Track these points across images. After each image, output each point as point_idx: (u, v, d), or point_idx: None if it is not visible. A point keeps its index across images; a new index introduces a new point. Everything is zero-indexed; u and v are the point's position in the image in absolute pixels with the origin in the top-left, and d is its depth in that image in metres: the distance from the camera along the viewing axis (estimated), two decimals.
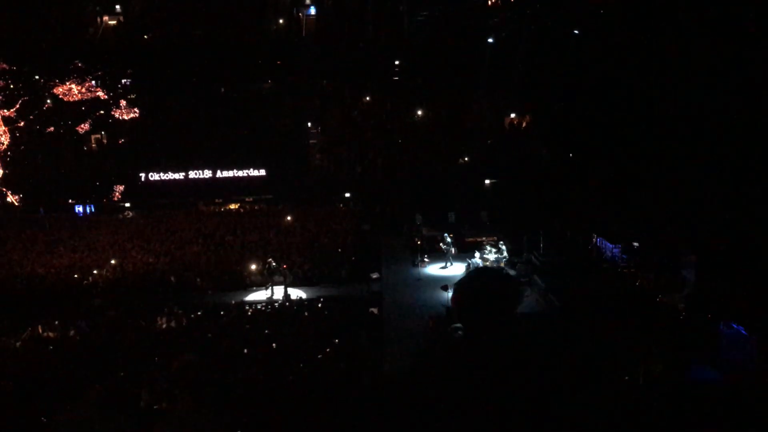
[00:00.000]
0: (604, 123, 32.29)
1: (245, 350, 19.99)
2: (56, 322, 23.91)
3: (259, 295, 27.73)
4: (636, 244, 27.83)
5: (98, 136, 42.67)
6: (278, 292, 27.46)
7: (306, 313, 24.42)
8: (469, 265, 27.80)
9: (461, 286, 4.26)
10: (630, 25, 32.68)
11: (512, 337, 4.32)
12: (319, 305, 25.36)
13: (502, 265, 28.39)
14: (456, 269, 28.91)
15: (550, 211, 31.71)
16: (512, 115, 43.60)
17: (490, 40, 40.66)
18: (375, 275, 29.02)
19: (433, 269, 29.47)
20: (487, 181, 39.58)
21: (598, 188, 31.27)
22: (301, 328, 22.69)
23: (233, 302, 26.66)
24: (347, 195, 40.58)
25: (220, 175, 42.21)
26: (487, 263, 27.81)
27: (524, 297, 21.94)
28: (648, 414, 16.21)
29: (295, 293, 27.33)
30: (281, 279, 27.85)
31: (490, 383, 4.14)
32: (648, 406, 16.65)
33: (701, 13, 27.56)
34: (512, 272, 28.28)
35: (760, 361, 18.80)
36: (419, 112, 44.91)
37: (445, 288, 26.66)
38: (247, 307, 25.77)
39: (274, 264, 28.26)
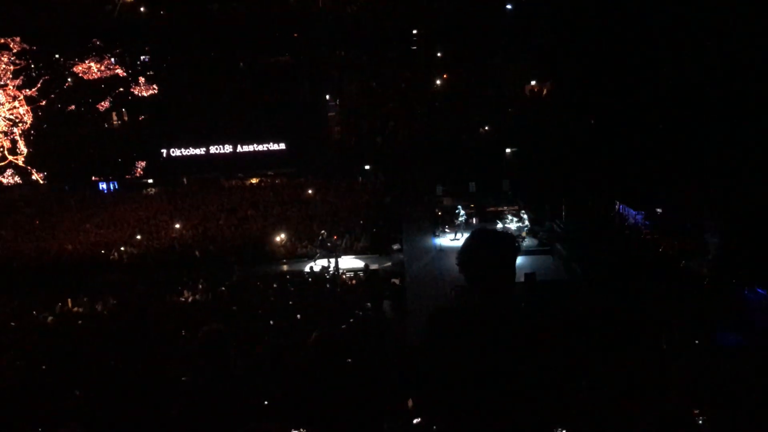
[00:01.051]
0: (626, 90, 31.80)
1: (271, 321, 20.23)
2: (85, 298, 24.41)
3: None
4: (659, 210, 27.57)
5: (119, 113, 42.96)
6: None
7: (329, 285, 24.66)
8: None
9: (462, 249, 4.54)
10: None
11: (516, 296, 4.55)
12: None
13: (524, 234, 28.31)
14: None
15: (572, 179, 31.45)
16: (533, 83, 43.05)
17: (509, 6, 40.07)
18: (396, 246, 29.15)
19: (455, 239, 29.49)
20: (508, 150, 39.28)
21: (621, 154, 30.90)
22: (326, 299, 22.96)
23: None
24: (367, 167, 40.53)
25: (241, 150, 42.27)
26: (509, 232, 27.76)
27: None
28: (673, 379, 16.26)
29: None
30: (331, 251, 28.20)
31: (510, 350, 4.24)
32: (673, 371, 16.67)
33: None
34: (533, 240, 28.30)
35: None
36: (438, 82, 44.50)
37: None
38: (278, 280, 26.00)
39: (326, 235, 28.62)
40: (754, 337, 18.54)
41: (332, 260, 27.55)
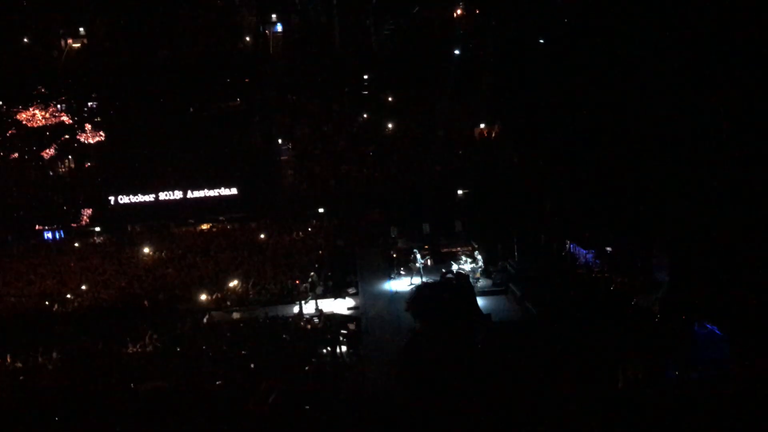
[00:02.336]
0: (573, 130, 32.61)
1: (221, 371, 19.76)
2: (27, 352, 23.43)
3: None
4: (609, 248, 28.05)
5: (65, 161, 42.02)
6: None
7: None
8: (444, 274, 27.70)
9: (412, 298, 4.65)
10: (595, 33, 33.13)
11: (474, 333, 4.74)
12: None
13: (478, 275, 28.42)
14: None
15: (523, 219, 31.84)
16: (482, 125, 43.84)
17: (457, 52, 40.94)
18: (351, 290, 28.87)
19: (411, 284, 29.36)
20: (459, 192, 39.67)
21: (570, 194, 31.49)
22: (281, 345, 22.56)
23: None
24: (321, 210, 40.35)
25: (192, 195, 41.54)
26: (463, 273, 27.79)
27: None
28: (629, 414, 16.32)
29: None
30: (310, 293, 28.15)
31: (468, 389, 4.34)
32: (628, 407, 16.75)
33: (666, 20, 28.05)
34: (487, 281, 28.43)
35: (734, 359, 19.01)
36: (390, 125, 44.95)
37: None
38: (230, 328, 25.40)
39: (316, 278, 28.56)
40: (703, 371, 18.83)
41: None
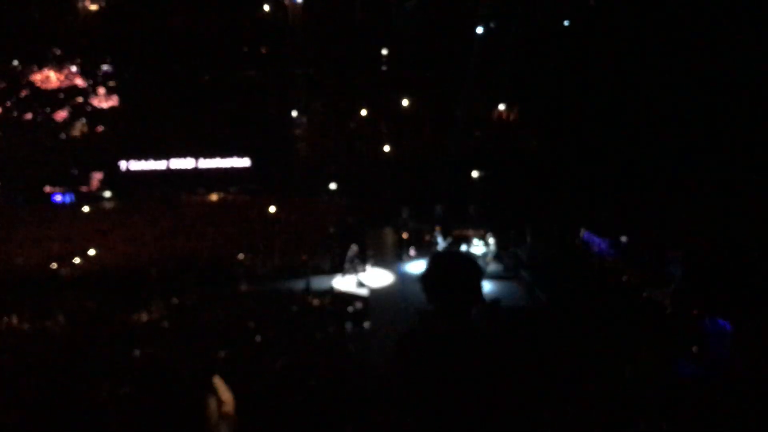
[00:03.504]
0: (593, 115, 32.12)
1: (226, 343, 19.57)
2: (30, 314, 23.40)
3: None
4: (624, 238, 27.68)
5: (78, 123, 41.82)
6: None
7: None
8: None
9: (425, 273, 4.62)
10: (621, 15, 32.50)
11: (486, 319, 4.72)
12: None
13: (489, 259, 28.13)
14: None
15: (538, 204, 31.51)
16: (501, 107, 43.23)
17: (479, 31, 40.23)
18: (361, 268, 28.67)
19: (420, 263, 29.13)
20: (474, 174, 39.25)
21: (587, 181, 31.10)
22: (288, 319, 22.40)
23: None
24: (332, 186, 40.07)
25: (203, 165, 41.42)
26: (474, 256, 27.48)
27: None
28: (636, 409, 16.08)
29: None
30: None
31: (475, 377, 4.21)
32: (635, 401, 16.53)
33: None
34: (498, 266, 28.15)
35: (738, 356, 18.74)
36: (407, 103, 44.40)
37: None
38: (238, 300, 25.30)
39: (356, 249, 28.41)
40: (712, 368, 18.56)
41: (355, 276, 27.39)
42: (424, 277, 4.41)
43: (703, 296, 22.08)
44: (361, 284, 27.36)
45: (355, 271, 28.09)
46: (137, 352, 17.76)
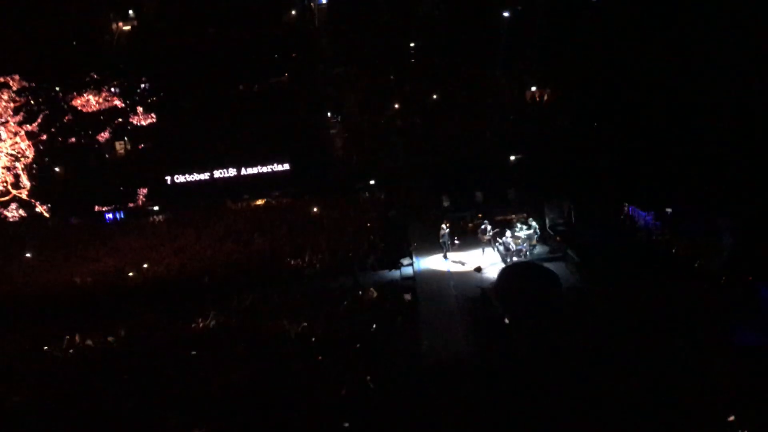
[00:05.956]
0: (627, 91, 31.68)
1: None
2: (93, 331, 24.19)
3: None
4: (669, 210, 27.27)
5: (121, 143, 43.10)
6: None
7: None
8: (501, 244, 27.48)
9: (504, 282, 4.48)
10: None
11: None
12: None
13: (534, 241, 28.01)
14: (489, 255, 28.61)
15: (579, 183, 31.23)
16: (533, 89, 42.91)
17: (506, 14, 40.00)
18: (406, 261, 28.85)
19: (464, 252, 29.21)
20: (512, 157, 39.06)
21: (625, 156, 30.70)
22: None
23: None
24: (372, 182, 40.35)
25: (245, 172, 42.54)
26: (519, 240, 27.42)
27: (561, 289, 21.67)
28: (694, 380, 15.95)
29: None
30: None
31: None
32: (694, 371, 16.36)
33: None
34: (544, 247, 28.05)
35: None
36: (438, 93, 44.41)
37: (479, 269, 26.48)
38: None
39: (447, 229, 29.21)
40: None
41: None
42: (496, 290, 4.44)
43: (758, 263, 21.67)
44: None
45: (447, 248, 28.87)
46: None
